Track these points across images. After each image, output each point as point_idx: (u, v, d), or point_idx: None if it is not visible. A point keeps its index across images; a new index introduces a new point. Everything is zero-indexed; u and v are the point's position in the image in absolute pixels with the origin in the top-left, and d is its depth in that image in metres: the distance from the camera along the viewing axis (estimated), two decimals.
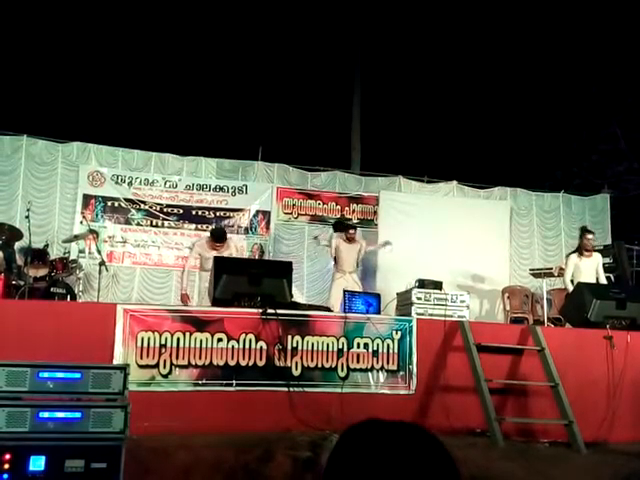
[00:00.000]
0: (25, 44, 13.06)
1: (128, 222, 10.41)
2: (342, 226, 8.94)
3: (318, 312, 6.24)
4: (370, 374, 5.81)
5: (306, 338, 5.68)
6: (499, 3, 14.62)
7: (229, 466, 4.19)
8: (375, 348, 5.85)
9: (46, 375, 3.45)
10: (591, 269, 8.04)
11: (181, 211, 10.62)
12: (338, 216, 11.27)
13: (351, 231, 8.62)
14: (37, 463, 3.25)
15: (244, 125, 14.08)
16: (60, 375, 3.48)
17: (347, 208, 11.38)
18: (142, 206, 10.47)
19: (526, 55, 14.97)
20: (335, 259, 8.64)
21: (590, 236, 8.15)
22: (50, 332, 5.01)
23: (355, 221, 11.30)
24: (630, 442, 5.69)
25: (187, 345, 5.39)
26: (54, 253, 9.25)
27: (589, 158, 14.69)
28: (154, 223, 10.49)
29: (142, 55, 13.76)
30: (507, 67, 14.93)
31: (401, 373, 5.88)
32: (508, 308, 9.86)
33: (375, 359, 5.83)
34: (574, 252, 8.17)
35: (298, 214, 11.17)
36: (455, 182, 11.86)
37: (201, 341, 5.43)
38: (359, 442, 1.07)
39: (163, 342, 5.34)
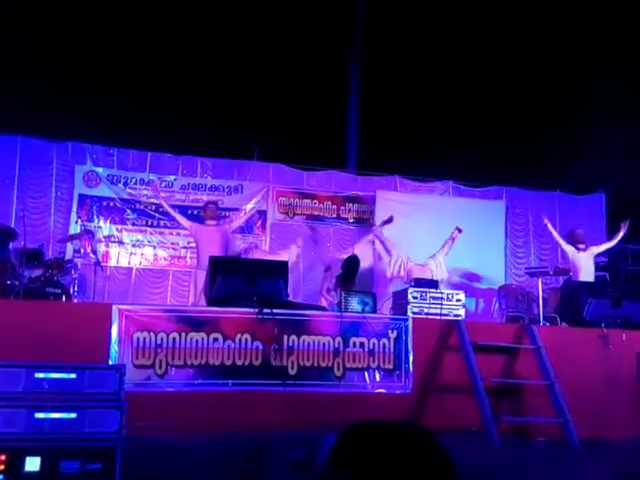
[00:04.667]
0: (19, 44, 13.01)
1: (123, 222, 10.38)
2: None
3: (314, 311, 6.24)
4: (366, 373, 5.81)
5: (302, 337, 5.68)
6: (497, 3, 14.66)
7: (225, 466, 4.18)
8: (371, 347, 5.86)
9: (41, 375, 3.44)
10: (589, 264, 8.18)
11: (177, 211, 10.57)
12: (334, 216, 11.25)
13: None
14: (32, 464, 3.24)
15: (240, 125, 14.05)
16: (55, 375, 3.47)
17: (343, 207, 11.36)
18: (137, 206, 10.43)
19: (522, 53, 14.99)
20: None
21: (580, 230, 8.39)
22: (45, 332, 5.00)
23: (351, 220, 11.31)
24: (625, 439, 5.72)
25: (183, 345, 5.38)
26: (49, 253, 9.22)
27: (584, 157, 14.72)
28: (149, 223, 10.47)
29: (137, 54, 13.72)
30: (503, 66, 14.94)
31: (397, 372, 5.88)
32: (504, 307, 9.87)
33: (371, 358, 5.84)
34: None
35: (294, 214, 11.16)
36: (451, 182, 11.88)
37: (197, 341, 5.42)
38: (357, 442, 1.07)
39: (159, 342, 5.34)
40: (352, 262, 8.34)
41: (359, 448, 1.05)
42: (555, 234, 8.72)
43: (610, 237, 9.34)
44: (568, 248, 8.36)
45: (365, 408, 5.55)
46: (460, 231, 8.87)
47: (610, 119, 14.80)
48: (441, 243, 8.90)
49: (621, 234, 8.57)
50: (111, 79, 13.59)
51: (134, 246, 10.37)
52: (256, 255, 8.92)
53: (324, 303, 8.40)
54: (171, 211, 8.62)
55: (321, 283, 9.33)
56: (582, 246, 8.27)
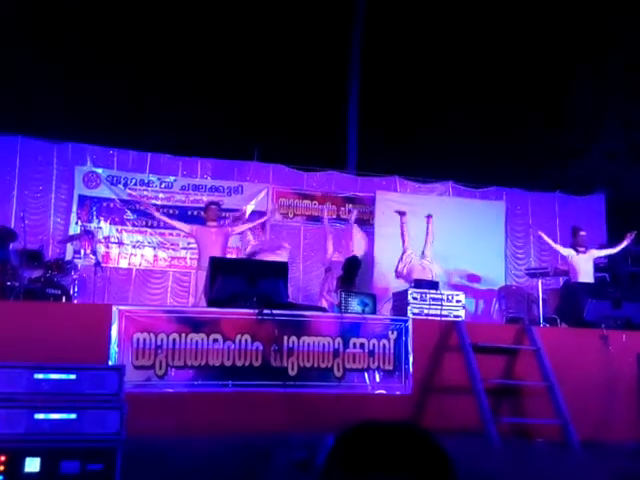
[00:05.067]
0: (20, 44, 13.01)
1: (123, 223, 10.39)
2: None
3: (314, 312, 6.24)
4: (366, 374, 5.81)
5: (302, 338, 5.68)
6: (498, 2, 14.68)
7: (225, 467, 4.18)
8: (371, 348, 5.85)
9: (41, 376, 3.44)
10: (588, 266, 8.16)
11: (177, 212, 10.58)
12: (334, 217, 11.25)
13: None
14: (32, 465, 3.24)
15: (240, 125, 14.05)
16: (55, 376, 3.47)
17: (343, 208, 11.37)
18: (137, 207, 10.44)
19: (522, 53, 15.00)
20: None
21: (583, 233, 8.35)
22: (45, 333, 5.00)
23: (351, 221, 11.30)
24: (625, 441, 5.71)
25: (183, 346, 5.38)
26: (49, 254, 9.23)
27: (585, 157, 14.72)
28: (149, 224, 10.47)
29: (137, 55, 13.73)
30: (502, 66, 14.95)
31: (397, 373, 5.88)
32: (504, 308, 9.88)
33: (371, 359, 5.83)
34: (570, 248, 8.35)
35: (294, 214, 11.16)
36: (451, 182, 11.89)
37: (197, 342, 5.42)
38: (355, 443, 1.07)
39: (159, 343, 5.34)
40: (352, 263, 8.33)
41: (358, 448, 1.05)
42: (552, 243, 8.73)
43: (612, 240, 9.34)
44: (567, 252, 8.33)
45: (365, 409, 5.55)
46: (430, 216, 8.87)
47: (610, 119, 14.80)
48: (423, 239, 8.88)
49: (624, 244, 8.56)
50: (111, 79, 13.60)
51: (134, 247, 10.38)
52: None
53: (324, 304, 8.39)
54: (168, 220, 8.55)
55: (322, 284, 9.33)
56: (582, 249, 8.23)
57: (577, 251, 8.20)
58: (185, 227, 8.29)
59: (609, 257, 9.68)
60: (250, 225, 9.58)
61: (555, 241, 9.10)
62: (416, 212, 10.83)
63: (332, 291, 8.34)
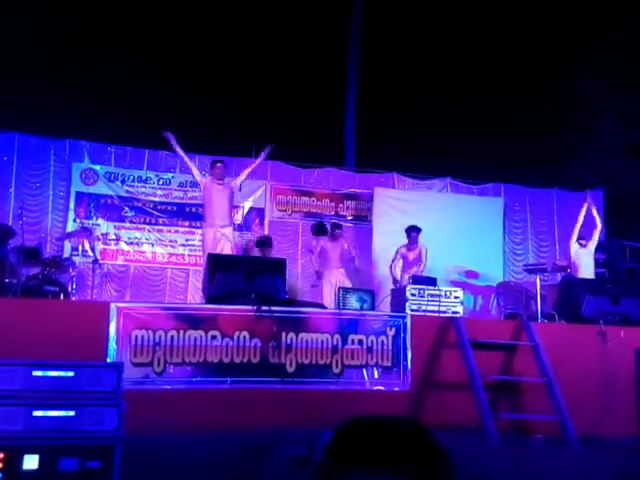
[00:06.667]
0: (17, 41, 12.97)
1: (121, 220, 10.37)
2: (324, 230, 9.21)
3: (312, 309, 6.24)
4: (364, 370, 5.82)
5: (300, 335, 5.68)
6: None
7: (223, 464, 4.18)
8: (369, 345, 5.86)
9: (39, 373, 3.43)
10: (589, 259, 8.36)
11: (174, 208, 10.59)
12: (332, 213, 11.26)
13: (337, 230, 9.07)
14: (31, 462, 3.23)
15: (238, 122, 14.04)
16: (53, 373, 3.46)
17: (341, 205, 11.36)
18: (135, 203, 10.42)
19: (521, 49, 15.00)
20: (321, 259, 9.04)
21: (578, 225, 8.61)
22: (43, 330, 4.99)
23: (349, 218, 11.31)
24: (623, 436, 5.73)
25: (181, 343, 5.38)
26: (47, 251, 9.22)
27: (583, 154, 14.72)
28: (147, 220, 10.46)
29: (133, 52, 13.69)
30: (500, 62, 14.94)
31: (395, 369, 5.88)
32: (502, 304, 9.88)
33: (369, 355, 5.84)
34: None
35: (292, 211, 11.16)
36: (449, 178, 11.88)
37: (195, 338, 5.42)
38: (353, 437, 1.07)
39: (157, 340, 5.33)
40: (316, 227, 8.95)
41: (355, 442, 1.05)
42: (575, 231, 8.75)
43: (610, 237, 9.47)
44: (573, 245, 8.58)
45: (363, 405, 5.55)
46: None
47: (608, 115, 14.80)
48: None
49: (593, 210, 8.71)
50: (109, 76, 13.57)
51: (132, 244, 10.36)
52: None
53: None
54: (187, 160, 8.09)
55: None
56: (584, 242, 8.50)
57: (580, 245, 8.49)
58: (198, 177, 7.92)
59: (608, 253, 9.77)
60: (249, 169, 9.22)
61: (554, 237, 9.22)
62: (414, 208, 10.86)
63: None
